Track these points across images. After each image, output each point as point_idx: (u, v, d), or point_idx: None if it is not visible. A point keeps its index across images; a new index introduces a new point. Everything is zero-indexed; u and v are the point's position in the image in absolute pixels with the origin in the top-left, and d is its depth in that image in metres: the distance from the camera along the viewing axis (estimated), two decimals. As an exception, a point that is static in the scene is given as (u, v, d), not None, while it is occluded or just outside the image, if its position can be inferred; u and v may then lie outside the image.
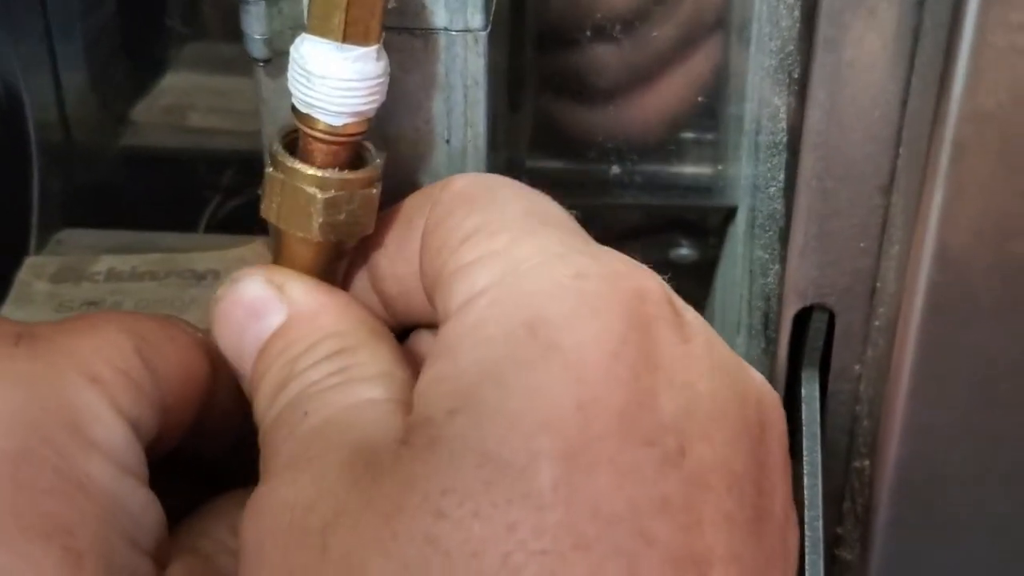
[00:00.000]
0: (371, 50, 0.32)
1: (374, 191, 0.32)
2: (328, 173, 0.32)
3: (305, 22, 0.34)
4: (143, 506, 0.29)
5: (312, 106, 0.32)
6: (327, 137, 0.32)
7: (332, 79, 0.32)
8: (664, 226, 0.58)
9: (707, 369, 0.26)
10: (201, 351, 0.32)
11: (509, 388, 0.25)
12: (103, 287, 0.47)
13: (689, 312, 0.28)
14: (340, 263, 0.34)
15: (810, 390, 0.35)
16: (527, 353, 0.25)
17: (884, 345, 0.33)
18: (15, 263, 0.49)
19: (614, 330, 0.25)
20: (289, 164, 0.32)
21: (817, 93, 0.30)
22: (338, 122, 0.32)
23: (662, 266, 0.57)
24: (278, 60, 0.36)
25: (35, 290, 0.47)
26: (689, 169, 0.48)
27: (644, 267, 0.28)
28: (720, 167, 0.51)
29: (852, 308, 0.33)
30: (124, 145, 0.57)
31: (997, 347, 0.32)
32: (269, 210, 0.33)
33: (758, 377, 0.28)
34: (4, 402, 0.27)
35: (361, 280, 0.34)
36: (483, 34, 0.36)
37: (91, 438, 0.28)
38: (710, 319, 0.52)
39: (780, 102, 0.36)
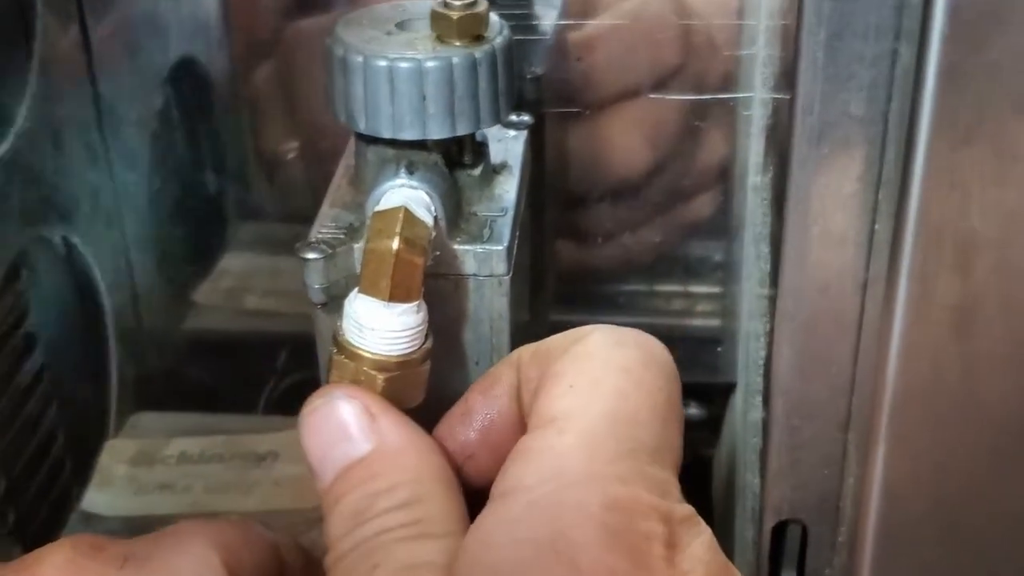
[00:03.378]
0: (413, 305, 0.38)
1: (398, 374, 0.37)
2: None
3: (357, 272, 0.40)
4: None
5: (363, 348, 0.38)
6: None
7: (380, 330, 0.37)
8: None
9: None
10: (273, 553, 0.36)
11: None
12: (175, 471, 0.53)
13: (694, 543, 0.31)
14: None
15: (789, 589, 0.41)
16: (549, 569, 0.29)
17: (847, 555, 0.39)
18: (96, 446, 0.55)
19: (622, 564, 0.29)
20: (334, 335, 0.37)
21: (782, 349, 0.36)
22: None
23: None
24: (333, 303, 0.41)
25: (115, 474, 0.53)
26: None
27: (670, 494, 0.31)
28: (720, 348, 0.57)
29: (820, 523, 0.39)
30: (188, 328, 0.63)
31: (940, 566, 0.37)
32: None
33: None
34: None
35: None
36: (506, 278, 0.41)
37: None
38: (719, 479, 0.58)
39: (761, 329, 0.42)
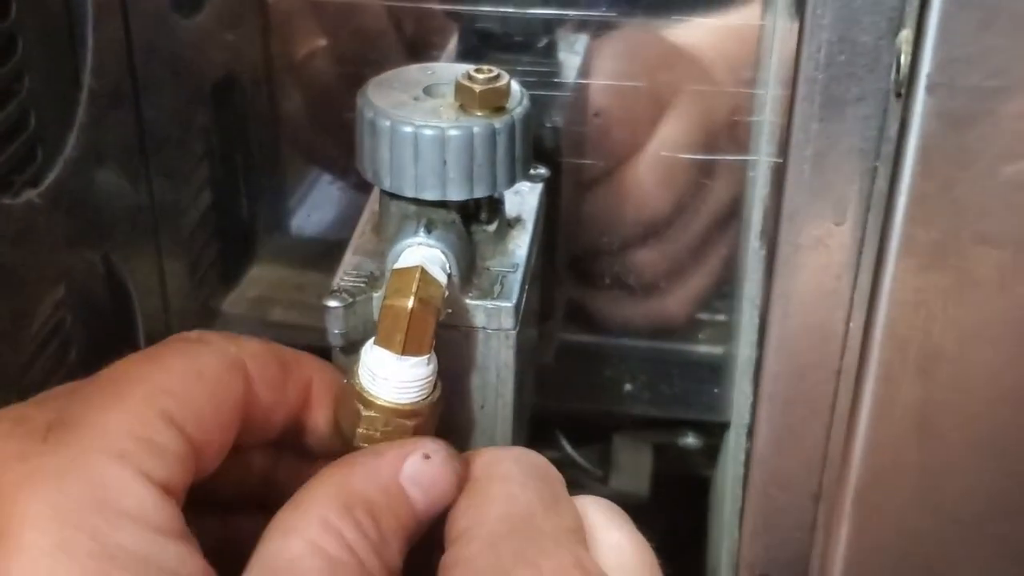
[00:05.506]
0: (424, 358, 0.41)
1: (409, 423, 0.40)
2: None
3: (375, 320, 0.43)
4: (180, 559, 0.31)
5: (376, 396, 0.41)
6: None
7: (392, 380, 0.41)
8: (675, 421, 0.67)
9: None
10: (232, 371, 0.36)
11: None
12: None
13: None
14: None
15: (765, 640, 0.44)
16: None
17: (817, 612, 0.42)
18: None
19: None
20: (348, 381, 0.40)
21: (762, 425, 0.39)
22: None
23: (673, 449, 0.67)
24: (351, 346, 0.44)
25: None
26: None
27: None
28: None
29: (792, 579, 0.42)
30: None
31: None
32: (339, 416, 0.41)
33: None
34: (36, 500, 0.30)
35: None
36: (513, 332, 0.44)
37: (121, 510, 0.30)
38: (715, 501, 0.61)
39: (749, 391, 0.45)
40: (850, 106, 0.34)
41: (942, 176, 0.32)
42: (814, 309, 0.37)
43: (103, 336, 0.59)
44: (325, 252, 0.70)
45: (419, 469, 0.38)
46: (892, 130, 0.33)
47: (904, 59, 0.32)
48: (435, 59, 0.57)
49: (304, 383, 0.40)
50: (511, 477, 0.37)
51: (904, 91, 0.32)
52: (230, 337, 0.37)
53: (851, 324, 0.36)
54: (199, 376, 0.35)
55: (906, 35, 0.32)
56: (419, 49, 0.57)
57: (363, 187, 0.62)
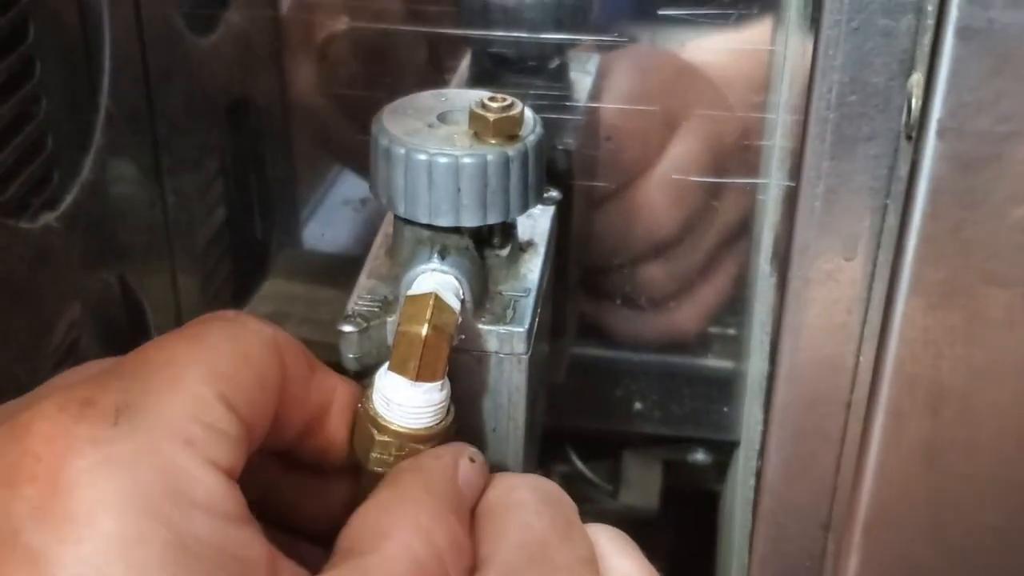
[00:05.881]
0: (437, 383, 0.41)
1: (423, 448, 0.40)
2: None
3: (389, 344, 0.44)
4: (246, 543, 0.31)
5: (390, 421, 0.41)
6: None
7: (406, 406, 0.41)
8: (684, 437, 0.67)
9: None
10: (270, 351, 0.35)
11: None
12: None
13: None
14: None
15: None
16: None
17: (823, 640, 0.42)
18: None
19: None
20: (362, 406, 0.41)
21: (771, 455, 0.40)
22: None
23: (682, 465, 0.67)
24: (366, 370, 0.45)
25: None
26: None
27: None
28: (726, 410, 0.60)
29: (802, 608, 0.42)
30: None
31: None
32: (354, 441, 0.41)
33: None
34: (112, 487, 0.29)
35: None
36: (525, 356, 0.45)
37: (192, 499, 0.30)
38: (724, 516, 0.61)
39: (760, 415, 0.45)
40: (861, 145, 0.34)
41: (952, 217, 0.33)
42: (824, 342, 0.37)
43: (118, 353, 0.59)
44: (338, 269, 0.71)
45: (469, 472, 0.39)
46: (903, 169, 0.34)
47: (915, 103, 0.32)
48: (447, 82, 0.57)
49: (327, 390, 0.40)
50: (526, 505, 0.37)
51: (915, 135, 0.32)
52: (265, 321, 0.37)
53: (861, 358, 0.37)
54: (246, 358, 0.34)
55: (917, 79, 0.32)
56: (432, 72, 0.58)
57: (376, 205, 0.62)
